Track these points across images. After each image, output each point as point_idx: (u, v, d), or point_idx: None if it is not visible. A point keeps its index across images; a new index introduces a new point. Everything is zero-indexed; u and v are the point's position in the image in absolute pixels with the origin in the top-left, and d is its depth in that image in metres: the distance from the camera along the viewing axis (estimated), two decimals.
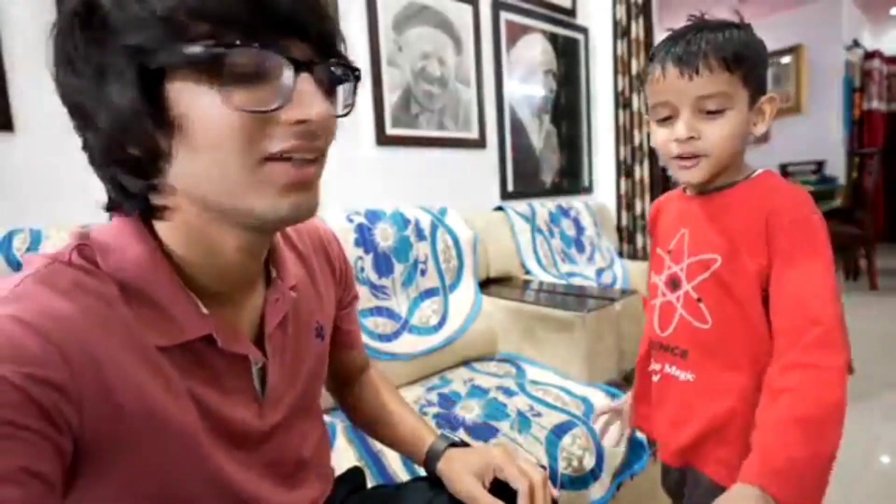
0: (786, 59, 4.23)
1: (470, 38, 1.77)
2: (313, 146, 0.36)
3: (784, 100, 4.29)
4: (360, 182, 1.51)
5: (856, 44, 4.18)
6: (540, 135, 2.10)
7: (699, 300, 0.63)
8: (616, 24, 2.19)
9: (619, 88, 2.21)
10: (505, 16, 1.89)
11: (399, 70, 1.57)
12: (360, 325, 0.68)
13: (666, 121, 0.61)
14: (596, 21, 2.29)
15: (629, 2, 2.13)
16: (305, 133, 0.35)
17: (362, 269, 1.25)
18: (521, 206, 1.87)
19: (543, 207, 1.94)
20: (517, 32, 1.96)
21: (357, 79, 0.40)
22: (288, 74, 0.33)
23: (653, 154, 2.14)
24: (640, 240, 2.25)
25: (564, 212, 2.01)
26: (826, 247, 0.55)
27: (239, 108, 0.32)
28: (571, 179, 2.27)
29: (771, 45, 4.22)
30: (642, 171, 2.19)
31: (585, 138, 2.33)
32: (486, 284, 1.62)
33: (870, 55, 4.43)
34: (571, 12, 2.20)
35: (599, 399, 1.09)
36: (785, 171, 4.24)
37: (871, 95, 4.48)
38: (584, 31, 2.26)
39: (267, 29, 0.32)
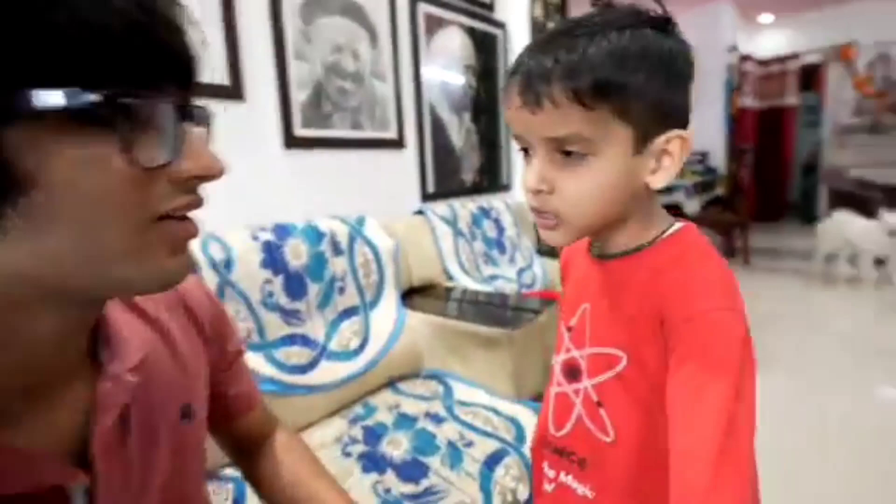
0: None
1: (386, 30, 1.64)
2: (201, 198, 0.31)
3: None
4: (266, 191, 1.34)
5: (734, 48, 4.69)
6: (460, 132, 2.05)
7: (599, 404, 0.46)
8: (533, 20, 2.18)
9: None
10: (422, 7, 1.79)
11: (308, 64, 1.41)
12: (253, 380, 0.57)
13: (528, 154, 0.44)
14: (513, 16, 2.25)
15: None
16: (197, 186, 0.31)
17: (271, 294, 1.12)
18: (443, 208, 1.82)
19: (465, 209, 1.90)
20: (435, 25, 1.86)
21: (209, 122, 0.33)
22: (173, 121, 0.28)
23: None
24: None
25: (486, 212, 1.99)
26: (734, 358, 0.36)
27: (130, 164, 0.26)
28: (491, 177, 2.26)
29: None
30: None
31: (504, 135, 2.32)
32: (409, 294, 1.55)
33: (744, 58, 5.06)
34: (489, 6, 2.15)
35: (528, 418, 1.09)
36: None
37: (745, 94, 5.14)
38: (501, 25, 2.22)
39: (148, 70, 0.27)
